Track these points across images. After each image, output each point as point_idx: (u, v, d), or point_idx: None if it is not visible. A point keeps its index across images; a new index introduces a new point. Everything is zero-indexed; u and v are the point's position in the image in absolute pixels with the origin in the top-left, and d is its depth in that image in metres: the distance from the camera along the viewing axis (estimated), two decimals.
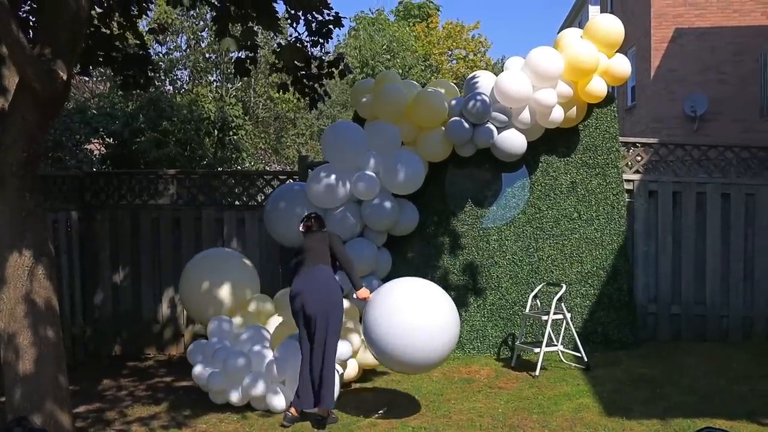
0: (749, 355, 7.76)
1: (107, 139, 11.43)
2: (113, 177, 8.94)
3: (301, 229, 6.37)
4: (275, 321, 6.96)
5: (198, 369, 6.51)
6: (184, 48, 19.19)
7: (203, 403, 6.48)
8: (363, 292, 6.23)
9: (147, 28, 8.83)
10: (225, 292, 6.99)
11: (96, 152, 11.87)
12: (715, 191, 8.50)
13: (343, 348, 6.44)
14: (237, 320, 6.88)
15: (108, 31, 6.94)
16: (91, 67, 7.12)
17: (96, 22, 6.79)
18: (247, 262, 7.44)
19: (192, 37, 18.90)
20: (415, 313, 5.91)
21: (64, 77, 4.59)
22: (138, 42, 7.25)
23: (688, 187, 8.51)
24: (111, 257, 8.79)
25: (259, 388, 6.25)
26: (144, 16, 7.45)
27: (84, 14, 4.72)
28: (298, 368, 6.07)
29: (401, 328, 5.84)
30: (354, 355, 6.86)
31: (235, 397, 6.32)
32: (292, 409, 6.03)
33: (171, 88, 18.04)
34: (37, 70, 4.42)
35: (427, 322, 5.90)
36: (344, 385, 6.90)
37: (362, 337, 6.38)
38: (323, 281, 6.06)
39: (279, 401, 6.26)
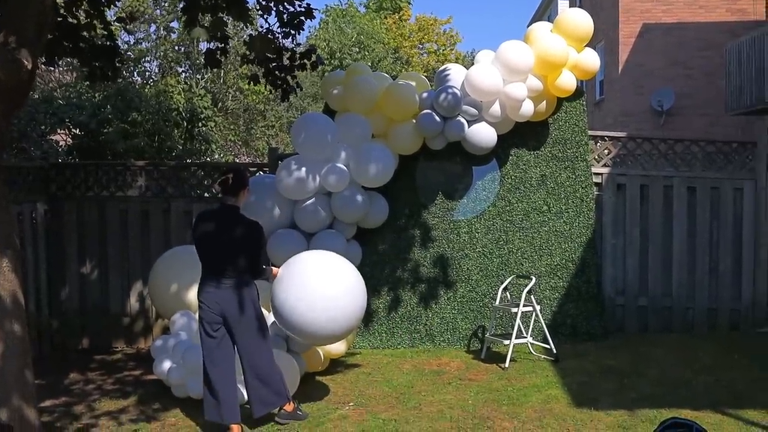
0: (714, 347, 7.89)
1: (74, 130, 11.26)
2: (80, 168, 8.80)
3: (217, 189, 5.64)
4: None
5: (159, 363, 6.47)
6: (153, 38, 18.97)
7: (172, 396, 6.42)
8: (274, 271, 5.94)
9: (115, 18, 8.70)
10: (194, 292, 6.94)
11: (62, 143, 11.69)
12: (682, 185, 8.62)
13: None
14: None
15: (75, 21, 6.83)
16: (57, 57, 7.00)
17: (62, 11, 6.68)
18: None
19: (162, 27, 18.69)
20: (318, 283, 5.77)
21: (29, 66, 4.51)
22: (105, 32, 7.14)
23: (655, 181, 8.63)
24: (78, 249, 8.67)
25: None
26: (112, 6, 7.33)
27: (49, 3, 4.64)
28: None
29: (307, 297, 5.69)
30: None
31: (194, 390, 6.27)
32: (235, 428, 5.55)
33: (139, 79, 17.81)
34: (1, 59, 4.33)
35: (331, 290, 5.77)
36: (310, 376, 6.91)
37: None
38: (243, 296, 5.56)
39: (240, 393, 6.18)
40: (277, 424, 5.82)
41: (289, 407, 5.82)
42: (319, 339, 6.01)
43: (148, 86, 15.89)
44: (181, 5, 6.81)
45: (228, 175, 5.65)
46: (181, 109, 12.72)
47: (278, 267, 6.02)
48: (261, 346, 5.67)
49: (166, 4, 17.89)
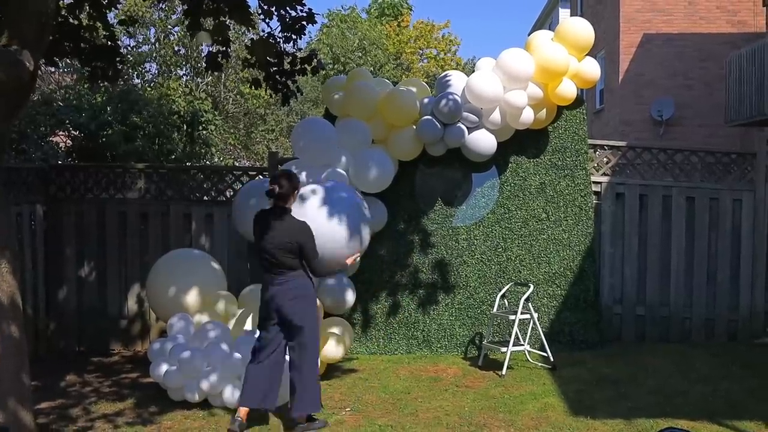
0: (711, 356, 7.89)
1: (73, 132, 11.26)
2: (79, 170, 8.81)
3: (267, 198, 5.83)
4: (240, 317, 6.92)
5: (156, 366, 6.46)
6: (153, 41, 18.96)
7: (169, 399, 6.41)
8: (350, 259, 6.45)
9: (116, 20, 8.71)
10: (192, 296, 6.96)
11: (62, 145, 11.69)
12: (680, 195, 8.63)
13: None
14: (198, 317, 6.83)
15: (76, 22, 6.84)
16: (58, 58, 7.00)
17: (64, 12, 6.69)
18: (215, 264, 7.40)
19: (162, 30, 18.69)
20: None
21: (31, 68, 4.52)
22: (107, 34, 7.15)
23: (654, 190, 8.63)
24: (76, 251, 8.66)
25: (216, 385, 6.17)
26: (113, 8, 7.34)
27: (51, 4, 4.65)
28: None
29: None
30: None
31: (191, 393, 6.26)
32: (242, 411, 5.73)
33: (139, 81, 17.81)
34: (3, 61, 4.34)
35: None
36: None
37: None
38: (296, 296, 5.71)
39: (237, 397, 6.17)
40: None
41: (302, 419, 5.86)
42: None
43: (150, 89, 15.90)
44: (183, 8, 6.81)
45: (273, 186, 5.71)
46: (182, 113, 12.72)
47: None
48: (308, 347, 5.78)
49: (165, 7, 17.89)
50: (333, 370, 7.34)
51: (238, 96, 21.24)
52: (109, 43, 7.10)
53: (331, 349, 6.97)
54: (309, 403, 5.79)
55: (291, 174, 5.93)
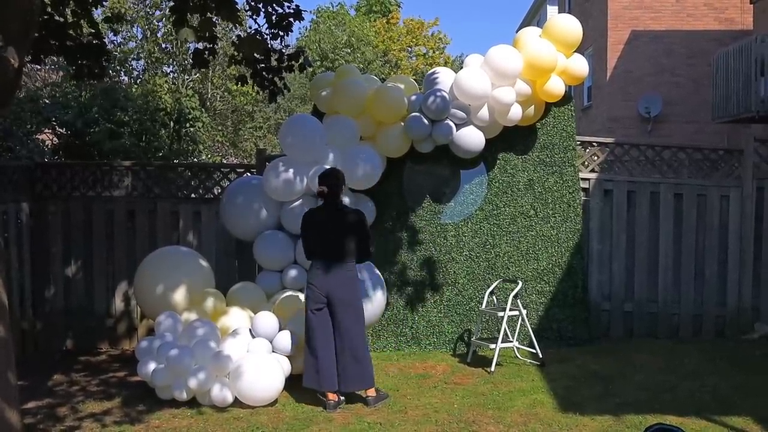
0: (698, 353, 7.92)
1: (59, 130, 11.20)
2: (66, 168, 8.74)
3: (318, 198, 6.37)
4: (228, 315, 6.90)
5: (143, 365, 6.42)
6: (139, 38, 18.86)
7: (157, 398, 6.38)
8: None
9: (102, 17, 8.66)
10: (180, 293, 6.92)
11: (48, 142, 11.62)
12: (668, 191, 8.65)
13: (286, 341, 6.60)
14: (186, 315, 6.79)
15: (62, 19, 6.78)
16: (43, 56, 6.95)
17: (49, 9, 6.63)
18: (203, 262, 7.37)
19: (147, 27, 18.59)
20: None
21: (16, 65, 4.47)
22: (93, 31, 7.10)
23: (642, 187, 8.66)
24: (63, 250, 8.59)
25: (204, 383, 6.14)
26: (99, 6, 7.29)
27: (36, 1, 4.60)
28: (243, 361, 6.16)
29: None
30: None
31: (179, 392, 6.23)
32: (331, 395, 6.21)
33: (126, 78, 17.73)
34: None
35: None
36: (296, 378, 6.90)
37: None
38: (348, 281, 6.23)
39: (225, 395, 6.17)
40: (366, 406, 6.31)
41: (372, 392, 6.33)
42: None
43: (135, 86, 15.83)
44: (170, 4, 6.76)
45: (323, 188, 6.24)
46: (168, 110, 12.67)
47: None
48: (357, 327, 6.27)
49: (151, 3, 17.82)
50: None
51: (225, 93, 21.18)
52: (95, 40, 7.05)
53: None
54: (367, 378, 6.29)
55: (335, 171, 6.42)
